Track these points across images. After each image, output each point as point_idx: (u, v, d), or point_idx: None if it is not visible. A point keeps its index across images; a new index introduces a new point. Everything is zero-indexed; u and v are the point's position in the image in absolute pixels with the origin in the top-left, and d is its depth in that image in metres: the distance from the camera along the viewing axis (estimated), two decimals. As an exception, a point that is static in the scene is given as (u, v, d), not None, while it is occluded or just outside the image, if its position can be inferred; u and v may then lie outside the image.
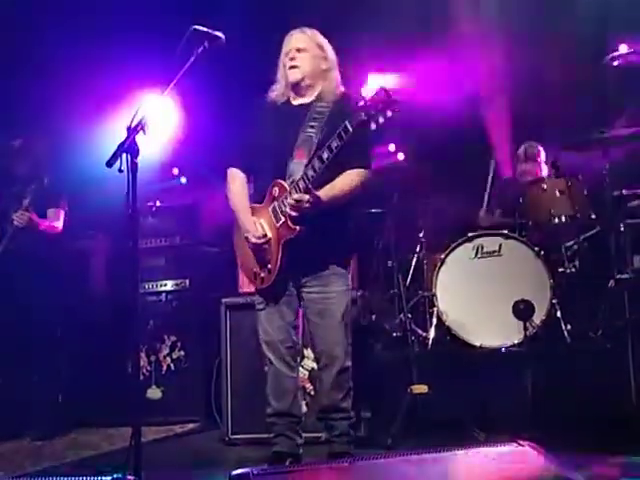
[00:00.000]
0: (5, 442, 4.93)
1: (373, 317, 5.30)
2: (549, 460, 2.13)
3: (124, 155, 2.96)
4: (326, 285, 3.53)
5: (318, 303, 3.54)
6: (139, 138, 3.01)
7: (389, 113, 3.17)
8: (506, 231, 5.23)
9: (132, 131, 3.01)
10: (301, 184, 3.34)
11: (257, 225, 3.50)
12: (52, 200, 5.22)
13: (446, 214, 5.87)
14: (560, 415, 4.30)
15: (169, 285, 5.65)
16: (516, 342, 4.84)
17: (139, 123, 3.04)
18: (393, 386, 4.55)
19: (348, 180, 3.48)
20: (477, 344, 4.95)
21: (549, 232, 5.33)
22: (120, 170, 2.97)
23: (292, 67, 3.58)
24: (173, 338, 5.51)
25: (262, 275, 3.55)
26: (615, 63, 5.19)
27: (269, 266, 3.51)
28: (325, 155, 3.29)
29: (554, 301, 4.96)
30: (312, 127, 3.48)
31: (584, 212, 5.22)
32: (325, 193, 3.39)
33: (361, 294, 4.65)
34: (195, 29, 3.26)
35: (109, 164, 2.98)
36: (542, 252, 5.09)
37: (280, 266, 3.47)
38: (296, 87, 3.62)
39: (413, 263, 5.83)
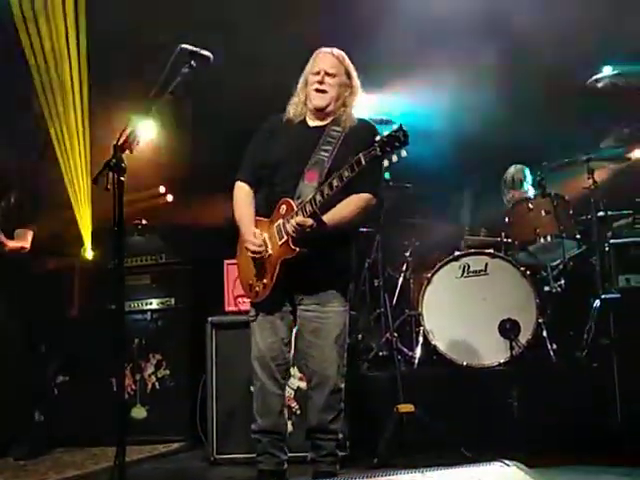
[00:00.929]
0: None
1: (359, 336, 5.29)
2: (535, 479, 2.13)
3: (110, 173, 2.96)
4: (323, 304, 3.52)
5: (313, 321, 3.52)
6: (125, 156, 3.02)
7: (404, 153, 3.18)
8: (492, 250, 5.25)
9: (118, 149, 3.02)
10: (308, 208, 3.33)
11: (259, 237, 3.49)
12: (20, 219, 5.03)
13: (432, 233, 5.89)
14: (545, 434, 4.31)
15: (154, 304, 5.62)
16: (502, 361, 4.85)
17: (125, 141, 3.05)
18: (379, 405, 4.54)
19: (354, 206, 3.47)
20: (463, 363, 4.96)
21: (535, 251, 5.36)
22: (106, 188, 2.97)
23: (319, 91, 3.57)
24: (158, 357, 5.48)
25: (257, 289, 3.55)
26: (599, 85, 5.24)
27: (265, 281, 3.50)
28: (335, 183, 3.29)
29: (540, 320, 4.98)
30: (325, 150, 3.49)
31: (569, 232, 5.26)
32: (330, 218, 3.39)
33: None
34: (182, 48, 3.27)
35: (95, 181, 2.98)
36: (528, 271, 5.12)
37: (276, 283, 3.46)
38: (316, 111, 3.62)
39: (400, 282, 5.84)
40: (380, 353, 5.51)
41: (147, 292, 5.66)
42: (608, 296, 4.97)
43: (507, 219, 5.52)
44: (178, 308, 5.56)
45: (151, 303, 5.63)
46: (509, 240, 5.48)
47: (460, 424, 4.45)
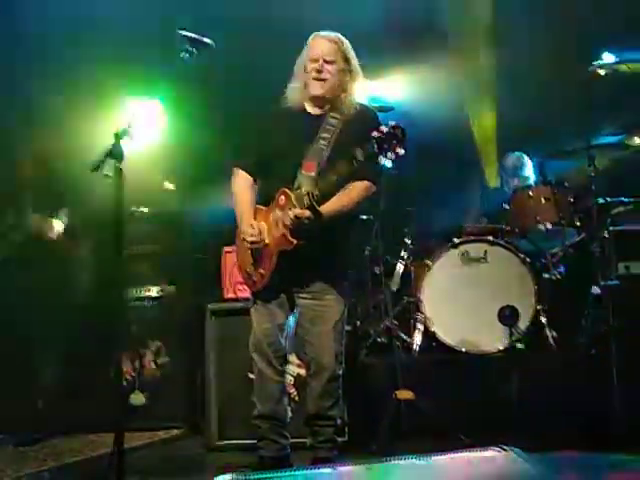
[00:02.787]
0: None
1: (358, 323, 5.29)
2: (533, 465, 2.13)
3: (110, 160, 2.95)
4: (321, 294, 3.52)
5: (311, 309, 3.53)
6: (125, 143, 3.01)
7: (401, 151, 3.12)
8: (491, 237, 5.25)
9: (118, 136, 3.01)
10: (305, 200, 3.31)
11: (256, 227, 3.47)
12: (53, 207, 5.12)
13: (432, 220, 5.88)
14: (544, 420, 4.31)
15: (154, 291, 5.62)
16: (501, 348, 4.85)
17: (125, 128, 3.04)
18: (378, 392, 4.55)
19: (353, 194, 3.45)
20: (462, 350, 4.96)
21: (534, 239, 5.35)
22: (106, 175, 2.97)
23: (318, 79, 3.52)
24: (157, 343, 5.48)
25: (254, 278, 3.55)
26: (601, 71, 5.21)
27: (261, 270, 3.50)
28: (333, 178, 3.27)
29: (539, 307, 4.99)
30: (323, 139, 3.46)
31: (569, 219, 5.25)
32: (329, 208, 3.37)
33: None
34: (182, 34, 3.25)
35: (95, 169, 2.97)
36: (527, 258, 5.11)
37: (272, 273, 3.47)
38: (316, 98, 3.58)
39: (399, 269, 5.83)
40: (379, 339, 5.51)
41: (146, 279, 5.66)
42: (607, 283, 4.97)
43: (507, 206, 5.51)
44: (177, 295, 5.56)
45: (150, 290, 5.63)
46: (509, 227, 5.48)
47: (459, 410, 4.47)
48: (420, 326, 5.22)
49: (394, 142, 3.09)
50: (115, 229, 2.96)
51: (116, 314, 2.98)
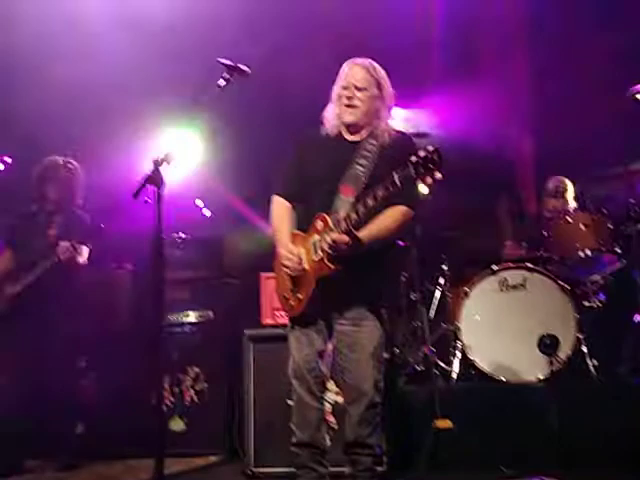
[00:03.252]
0: (28, 474, 4.94)
1: (397, 350, 5.26)
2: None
3: (150, 186, 3.00)
4: (359, 319, 3.50)
5: (349, 336, 3.51)
6: (164, 169, 3.05)
7: (438, 175, 3.07)
8: (530, 264, 5.20)
9: (158, 162, 3.06)
10: (343, 225, 3.31)
11: (295, 251, 3.49)
12: (80, 234, 5.05)
13: (470, 247, 5.85)
14: (586, 452, 4.24)
15: (192, 316, 5.66)
16: (541, 377, 4.79)
17: (165, 155, 3.09)
18: (416, 420, 4.51)
19: (392, 219, 3.44)
20: (502, 378, 4.91)
21: (574, 266, 5.29)
22: (146, 201, 3.01)
23: (349, 106, 3.54)
24: (196, 370, 5.50)
25: (292, 303, 3.56)
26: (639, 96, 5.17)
27: (299, 295, 3.51)
28: (370, 203, 3.26)
29: (580, 336, 4.92)
30: (361, 165, 3.47)
31: (609, 246, 5.19)
32: (367, 233, 3.36)
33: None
34: (220, 61, 3.31)
35: (135, 195, 3.02)
36: (567, 286, 5.05)
37: (311, 299, 3.47)
38: (350, 125, 3.60)
39: (437, 296, 5.81)
40: (417, 367, 5.48)
41: (185, 305, 5.70)
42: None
43: (546, 233, 5.46)
44: (216, 321, 5.58)
45: (189, 316, 5.67)
46: (548, 254, 5.43)
47: (499, 441, 4.41)
48: (458, 354, 5.18)
49: (431, 166, 3.06)
50: (155, 254, 3.00)
51: (156, 340, 3.00)
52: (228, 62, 3.34)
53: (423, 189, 3.34)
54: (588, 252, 5.18)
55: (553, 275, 5.12)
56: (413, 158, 3.09)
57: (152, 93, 6.14)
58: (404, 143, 3.52)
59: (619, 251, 5.23)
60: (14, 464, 4.92)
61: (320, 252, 3.40)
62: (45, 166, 5.28)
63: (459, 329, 5.15)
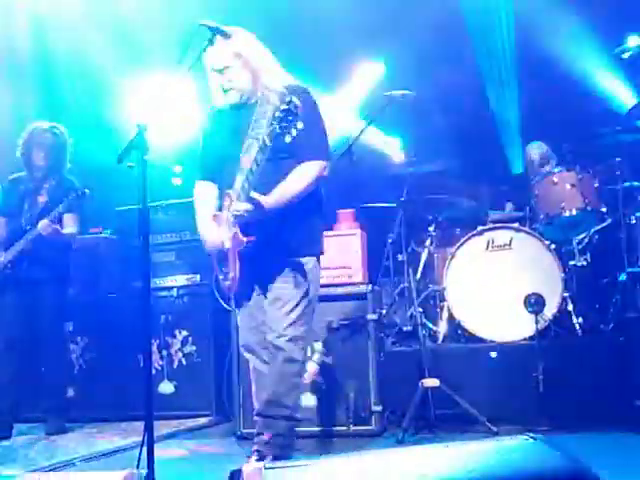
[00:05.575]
0: (19, 436, 4.98)
1: (383, 311, 5.29)
2: (560, 453, 2.13)
3: (134, 151, 2.97)
4: (279, 275, 3.41)
5: (271, 292, 3.43)
6: (149, 134, 3.02)
7: (300, 125, 3.00)
8: (517, 224, 5.22)
9: (142, 127, 3.02)
10: (242, 195, 3.24)
11: (212, 231, 3.43)
12: (70, 203, 4.99)
13: (457, 208, 5.86)
14: (571, 408, 4.30)
15: (180, 280, 5.66)
16: (527, 336, 4.83)
17: (148, 119, 3.05)
18: (404, 380, 4.56)
19: (299, 177, 3.35)
20: (488, 338, 4.95)
21: (560, 225, 5.32)
22: (129, 166, 2.99)
23: (225, 90, 3.44)
24: (185, 333, 5.53)
25: (227, 283, 3.47)
26: (625, 55, 5.15)
27: (230, 274, 3.41)
28: (254, 167, 3.16)
29: (565, 294, 4.96)
30: (256, 132, 3.30)
31: (595, 205, 5.22)
32: (274, 197, 3.28)
33: (371, 288, 4.66)
34: (203, 24, 3.25)
35: (120, 160, 2.99)
36: (553, 245, 5.08)
37: (240, 275, 3.37)
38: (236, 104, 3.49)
39: (424, 257, 5.83)
40: (404, 328, 5.52)
41: (172, 269, 5.70)
42: (634, 269, 4.93)
43: (532, 193, 5.48)
44: (203, 284, 5.59)
45: (176, 280, 5.67)
46: (534, 214, 5.45)
47: (485, 399, 4.46)
48: (445, 314, 5.22)
49: (290, 118, 2.99)
50: (140, 219, 2.98)
51: (143, 304, 3.00)
52: (211, 23, 3.29)
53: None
54: (574, 212, 5.21)
55: (539, 235, 5.15)
56: (276, 113, 3.01)
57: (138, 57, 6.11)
58: (282, 98, 3.17)
59: (605, 209, 5.26)
60: (5, 429, 4.95)
61: (233, 227, 3.31)
62: (31, 132, 5.21)
63: (446, 289, 5.18)
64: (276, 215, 3.29)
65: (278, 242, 3.38)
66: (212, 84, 3.52)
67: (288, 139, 3.03)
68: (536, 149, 5.95)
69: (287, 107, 2.99)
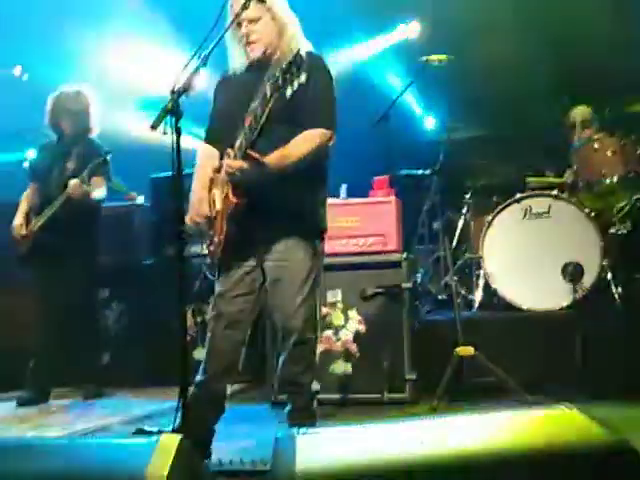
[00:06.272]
0: (56, 400, 5.06)
1: (418, 280, 5.26)
2: (596, 424, 2.09)
3: (168, 118, 2.95)
4: (283, 252, 3.20)
5: (274, 270, 3.22)
6: (182, 101, 3.00)
7: (303, 78, 2.84)
8: (555, 192, 5.13)
9: (175, 94, 3.00)
10: (238, 154, 3.11)
11: (207, 199, 3.26)
12: (97, 166, 5.04)
13: (493, 175, 5.77)
14: (610, 379, 4.24)
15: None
16: (565, 305, 4.77)
17: (182, 86, 3.03)
18: (439, 349, 4.52)
19: (303, 142, 3.14)
20: (525, 307, 4.90)
21: (600, 193, 5.21)
22: (164, 133, 2.96)
23: (249, 43, 3.26)
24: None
25: (211, 248, 3.29)
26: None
27: (215, 239, 3.24)
28: (253, 124, 3.03)
29: (604, 263, 4.87)
30: (261, 94, 3.10)
31: (637, 172, 5.10)
32: (274, 158, 3.08)
33: (406, 256, 4.62)
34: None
35: (153, 127, 2.97)
36: (592, 213, 4.99)
37: (225, 240, 3.19)
38: (254, 60, 3.32)
39: (459, 225, 5.77)
40: (439, 297, 5.48)
41: (206, 236, 5.70)
42: (677, 238, 4.83)
43: (572, 159, 5.37)
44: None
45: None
46: (574, 181, 5.35)
47: (522, 368, 4.41)
48: (481, 283, 5.17)
49: (293, 70, 2.82)
50: (174, 186, 2.96)
51: (177, 270, 2.99)
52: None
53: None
54: (615, 178, 5.09)
55: (578, 202, 5.05)
56: (281, 66, 2.87)
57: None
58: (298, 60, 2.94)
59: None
60: (42, 392, 5.04)
61: (225, 187, 3.17)
62: (57, 98, 5.22)
63: (482, 258, 5.12)
64: (277, 181, 3.10)
65: (281, 213, 3.16)
66: (232, 39, 3.32)
67: (289, 91, 2.85)
68: (579, 112, 5.81)
69: (292, 59, 2.84)
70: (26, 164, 5.81)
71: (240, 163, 3.05)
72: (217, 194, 3.23)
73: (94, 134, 5.28)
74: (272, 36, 3.28)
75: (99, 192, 5.12)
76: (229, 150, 3.19)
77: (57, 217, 5.02)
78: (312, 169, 3.24)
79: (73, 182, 4.94)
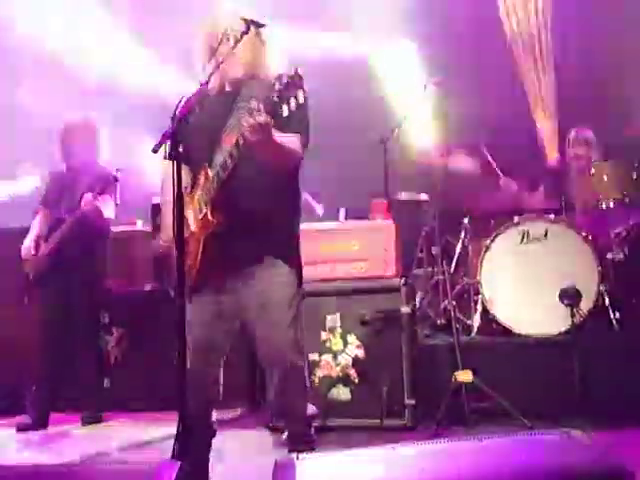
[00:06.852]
0: (54, 427, 5.05)
1: (417, 304, 5.27)
2: (596, 449, 2.10)
3: (168, 143, 2.97)
4: (268, 276, 3.09)
5: (258, 295, 3.09)
6: (182, 127, 3.02)
7: (301, 98, 2.74)
8: (552, 216, 5.15)
9: (176, 120, 3.03)
10: (220, 172, 3.00)
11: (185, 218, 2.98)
12: (106, 184, 5.07)
13: (491, 198, 5.79)
14: (607, 404, 4.24)
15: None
16: (563, 330, 4.78)
17: (182, 112, 3.06)
18: (438, 374, 4.53)
19: (291, 142, 3.03)
20: (523, 332, 4.90)
21: (597, 217, 5.24)
22: (165, 157, 2.99)
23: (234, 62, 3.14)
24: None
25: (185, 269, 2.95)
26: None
27: (189, 262, 3.04)
28: (241, 141, 2.90)
29: (602, 288, 4.88)
30: (239, 112, 3.03)
31: (633, 197, 5.13)
32: (277, 138, 2.90)
33: (404, 281, 4.63)
34: (242, 17, 3.24)
35: (154, 151, 3.00)
36: (590, 237, 5.01)
37: (201, 263, 3.06)
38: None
39: (457, 249, 5.78)
40: (438, 321, 5.48)
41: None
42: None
43: (568, 183, 5.41)
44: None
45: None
46: (570, 205, 5.37)
47: (520, 393, 4.41)
48: (479, 308, 5.18)
49: (292, 88, 2.72)
50: (175, 212, 2.98)
51: (178, 297, 3.00)
52: (245, 16, 3.27)
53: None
54: (611, 203, 5.12)
55: (575, 226, 5.07)
56: (276, 83, 2.75)
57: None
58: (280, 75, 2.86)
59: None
60: (42, 418, 5.02)
61: (204, 207, 3.05)
62: (65, 126, 5.29)
63: (480, 283, 5.13)
64: (256, 198, 3.04)
65: (263, 234, 3.08)
66: (207, 57, 3.20)
67: (285, 112, 2.74)
68: (577, 130, 5.82)
69: (291, 77, 2.73)
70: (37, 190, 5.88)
71: (266, 118, 2.78)
72: (191, 215, 3.12)
73: (102, 160, 5.34)
74: (254, 54, 3.22)
75: (109, 211, 5.17)
76: (209, 171, 3.07)
77: (67, 239, 5.06)
78: (291, 192, 3.23)
79: (87, 196, 4.99)
